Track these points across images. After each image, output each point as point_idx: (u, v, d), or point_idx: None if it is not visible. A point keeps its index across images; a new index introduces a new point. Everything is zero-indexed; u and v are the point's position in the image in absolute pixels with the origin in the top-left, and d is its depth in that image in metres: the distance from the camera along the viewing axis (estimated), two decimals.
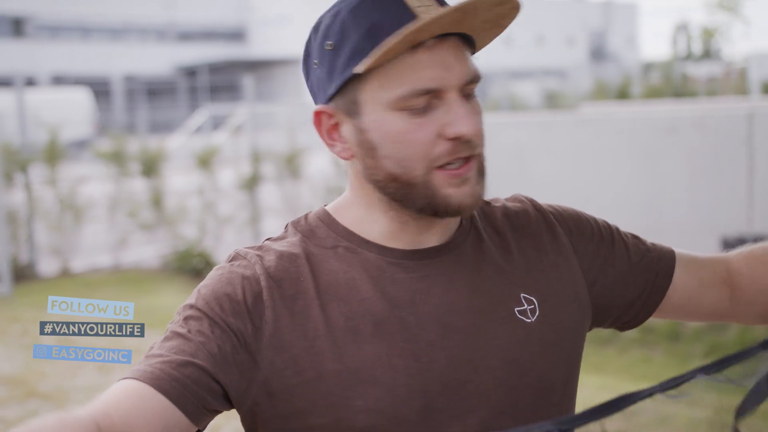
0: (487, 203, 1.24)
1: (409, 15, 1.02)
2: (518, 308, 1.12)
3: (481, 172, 1.09)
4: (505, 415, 1.08)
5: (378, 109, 1.05)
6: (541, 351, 1.12)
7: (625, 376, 5.13)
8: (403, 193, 1.07)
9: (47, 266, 9.07)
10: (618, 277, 1.23)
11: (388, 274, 1.10)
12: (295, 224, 1.17)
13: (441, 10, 1.00)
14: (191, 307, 1.09)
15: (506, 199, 1.26)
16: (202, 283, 1.12)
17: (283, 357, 1.05)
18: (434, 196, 1.06)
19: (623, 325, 1.29)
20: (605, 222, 1.31)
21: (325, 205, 1.20)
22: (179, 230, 9.16)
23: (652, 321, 5.10)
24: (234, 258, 1.13)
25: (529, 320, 1.12)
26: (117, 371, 5.55)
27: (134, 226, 9.27)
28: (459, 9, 1.00)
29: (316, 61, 1.09)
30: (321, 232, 1.14)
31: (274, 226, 9.47)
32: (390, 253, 1.11)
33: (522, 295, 1.13)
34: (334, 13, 1.08)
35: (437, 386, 1.06)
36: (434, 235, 1.13)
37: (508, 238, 1.18)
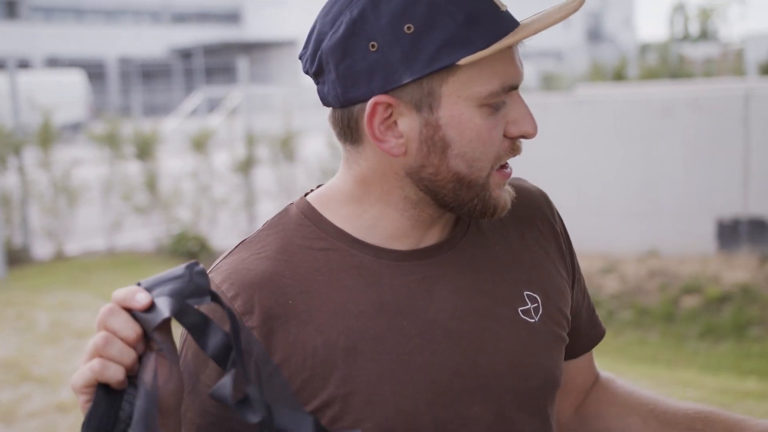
0: None
1: (495, 7, 0.99)
2: (522, 308, 1.08)
3: None
4: (513, 418, 1.05)
5: (460, 104, 0.98)
6: (545, 351, 1.09)
7: (620, 357, 5.13)
8: (457, 194, 1.01)
9: (41, 249, 9.05)
10: (573, 304, 1.20)
11: (385, 280, 1.03)
12: (276, 223, 1.08)
13: (546, 18, 0.97)
14: (191, 375, 1.02)
15: (514, 180, 1.17)
16: (186, 335, 1.03)
17: None
18: (488, 198, 1.02)
19: None
20: None
21: (306, 195, 1.11)
22: (174, 213, 9.13)
23: (647, 302, 5.13)
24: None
25: (532, 320, 1.08)
26: None
27: (129, 209, 9.25)
28: (559, 21, 0.98)
29: (375, 43, 0.96)
30: (307, 231, 1.06)
31: (268, 209, 9.45)
32: (387, 254, 1.04)
33: (525, 293, 1.09)
34: None
35: (445, 397, 1.02)
36: (435, 232, 1.08)
37: (511, 228, 1.14)
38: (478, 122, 0.99)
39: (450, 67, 0.96)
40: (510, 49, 1.00)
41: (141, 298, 0.84)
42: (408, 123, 0.99)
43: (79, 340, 5.81)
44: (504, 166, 1.04)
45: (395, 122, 0.99)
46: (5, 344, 5.80)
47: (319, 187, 1.13)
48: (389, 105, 0.98)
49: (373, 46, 0.96)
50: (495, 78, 0.98)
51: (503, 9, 1.00)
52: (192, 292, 0.85)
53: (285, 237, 1.06)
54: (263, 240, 1.06)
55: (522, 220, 1.15)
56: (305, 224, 1.06)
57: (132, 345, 0.84)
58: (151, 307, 0.84)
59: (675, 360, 5.25)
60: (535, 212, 1.17)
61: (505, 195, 1.04)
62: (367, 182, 1.04)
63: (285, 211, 1.10)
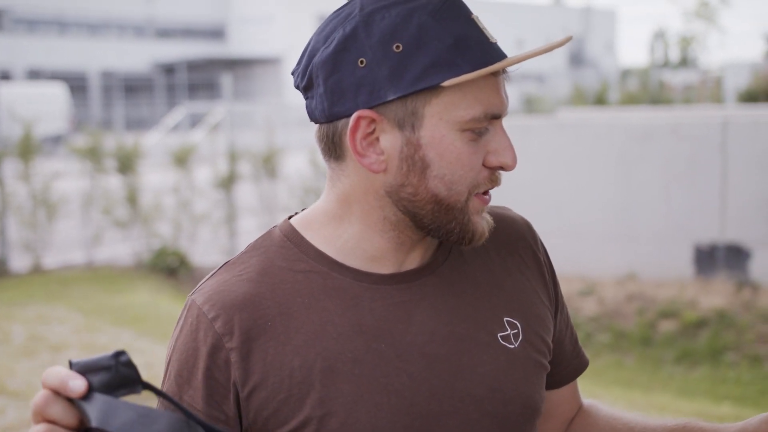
0: None
1: (482, 35, 1.02)
2: (501, 333, 1.09)
3: None
4: None
5: (442, 126, 0.99)
6: (524, 377, 1.09)
7: (597, 380, 5.16)
8: (435, 216, 1.02)
9: (19, 262, 8.98)
10: (555, 334, 1.21)
11: (365, 303, 1.04)
12: (259, 245, 1.09)
13: (532, 51, 0.99)
14: (173, 395, 1.03)
15: (497, 208, 1.20)
16: (174, 356, 1.05)
17: (262, 414, 1.01)
18: (467, 223, 1.03)
19: None
20: None
21: (290, 218, 1.13)
22: (154, 228, 9.10)
23: (624, 325, 5.17)
24: (190, 309, 1.05)
25: (512, 346, 1.08)
26: None
27: (108, 223, 9.20)
28: (544, 52, 1.00)
29: (364, 59, 0.98)
30: (289, 254, 1.07)
31: (249, 225, 9.43)
32: (367, 278, 1.05)
33: (505, 319, 1.10)
34: (401, 13, 0.99)
35: (422, 421, 1.02)
36: (416, 256, 1.08)
37: (494, 255, 1.14)
38: (458, 146, 1.00)
39: (435, 89, 0.98)
40: (495, 78, 1.02)
41: (76, 387, 0.78)
42: (390, 140, 1.00)
43: (56, 354, 5.76)
44: (484, 192, 1.05)
45: (377, 138, 1.01)
46: None
47: (303, 210, 1.14)
48: (372, 120, 1.00)
49: (362, 62, 0.98)
50: (478, 104, 1.00)
51: (492, 40, 1.02)
52: (121, 384, 0.84)
53: (267, 259, 1.07)
54: (246, 262, 1.07)
55: (505, 247, 1.16)
56: (287, 246, 1.08)
57: (76, 430, 0.80)
58: (87, 394, 0.80)
59: (651, 384, 5.28)
60: (519, 240, 1.18)
61: (483, 222, 1.05)
62: (348, 200, 1.05)
63: (268, 234, 1.11)
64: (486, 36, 1.02)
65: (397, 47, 0.98)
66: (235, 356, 1.00)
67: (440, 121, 0.99)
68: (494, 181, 1.04)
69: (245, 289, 1.04)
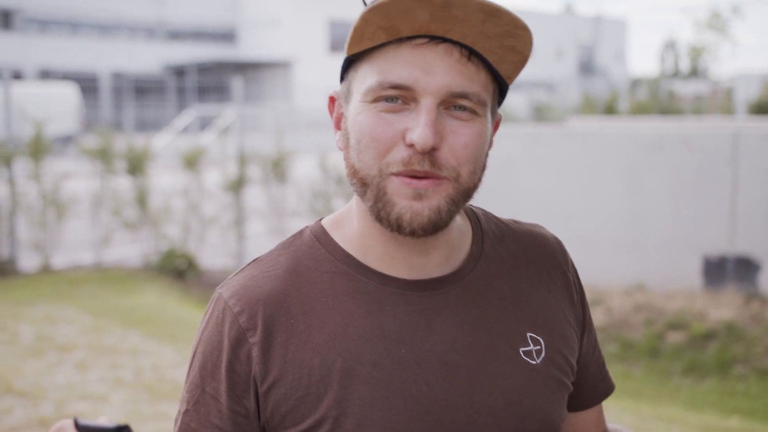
0: (506, 224, 1.19)
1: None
2: (523, 348, 1.08)
3: (453, 198, 1.01)
4: None
5: (358, 98, 1.02)
6: (544, 394, 1.08)
7: None
8: (361, 192, 1.02)
9: (28, 262, 9.00)
10: (580, 359, 1.21)
11: (388, 307, 1.04)
12: (289, 244, 1.11)
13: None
14: (197, 387, 1.07)
15: (529, 225, 1.20)
16: (199, 347, 1.08)
17: (280, 410, 1.03)
18: (383, 201, 1.00)
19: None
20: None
21: (322, 219, 1.14)
22: (163, 230, 9.12)
23: (632, 336, 5.15)
24: (217, 303, 1.08)
25: (534, 362, 1.08)
26: (94, 370, 5.47)
27: (118, 224, 9.22)
28: (429, 1, 0.94)
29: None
30: (317, 254, 1.09)
31: (258, 229, 9.44)
32: (392, 282, 1.05)
33: (529, 334, 1.09)
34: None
35: (437, 428, 1.02)
36: (437, 262, 1.08)
37: (522, 270, 1.14)
38: (364, 116, 1.01)
39: (355, 63, 1.03)
40: (415, 51, 0.98)
41: None
42: (345, 114, 1.06)
43: (63, 354, 5.77)
44: (409, 175, 0.99)
45: (343, 115, 1.07)
46: None
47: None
48: (335, 100, 1.09)
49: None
50: (376, 74, 1.00)
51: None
52: None
53: (295, 258, 1.09)
54: (275, 259, 1.10)
55: (534, 263, 1.15)
56: (316, 247, 1.09)
57: None
58: None
59: (659, 395, 5.26)
60: (549, 259, 1.17)
61: (413, 209, 0.99)
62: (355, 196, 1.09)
63: (299, 233, 1.13)
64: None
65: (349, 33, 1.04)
66: (256, 351, 1.02)
67: (357, 94, 1.02)
68: (410, 163, 0.98)
69: (271, 285, 1.06)
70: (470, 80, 0.99)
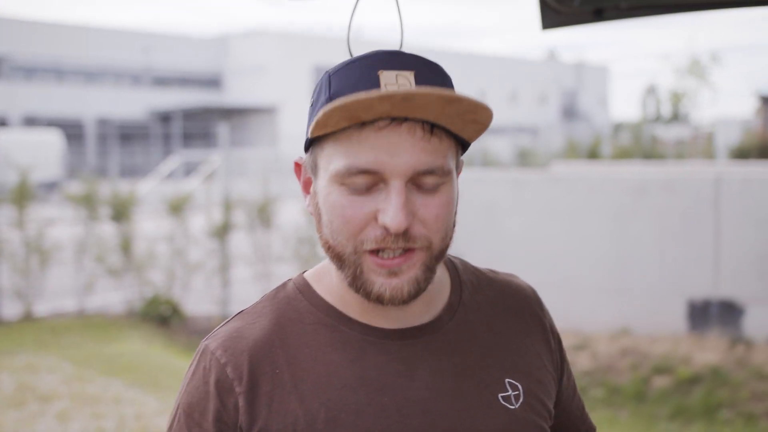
0: (483, 273, 1.22)
1: (374, 87, 1.00)
2: (502, 394, 1.10)
3: (428, 266, 1.03)
4: None
5: (326, 177, 1.03)
6: None
7: None
8: (338, 265, 1.04)
9: (10, 310, 8.91)
10: (558, 404, 1.23)
11: (369, 356, 1.07)
12: (273, 296, 1.14)
13: (375, 93, 0.93)
14: None
15: (505, 275, 1.24)
16: (183, 399, 1.10)
17: None
18: (360, 278, 1.02)
19: None
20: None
21: (305, 272, 1.16)
22: (147, 276, 9.06)
23: (618, 380, 5.14)
24: (203, 354, 1.10)
25: (512, 407, 1.10)
26: (76, 420, 5.39)
27: (101, 270, 9.16)
28: (389, 97, 0.94)
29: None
30: (300, 306, 1.11)
31: (243, 274, 9.40)
32: (372, 332, 1.08)
33: (507, 380, 1.11)
34: (325, 73, 1.07)
35: None
36: (417, 311, 1.10)
37: (500, 318, 1.17)
38: (335, 197, 1.02)
39: (320, 141, 1.03)
40: (379, 133, 0.98)
41: None
42: (314, 185, 1.08)
43: (44, 404, 5.70)
44: (379, 253, 1.01)
45: (311, 180, 1.09)
46: None
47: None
48: (300, 167, 1.11)
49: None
50: (342, 158, 1.00)
51: (384, 92, 0.95)
52: None
53: (279, 310, 1.12)
54: (259, 311, 1.12)
55: (512, 310, 1.18)
56: (299, 299, 1.12)
57: None
58: None
59: None
60: (525, 306, 1.20)
61: (389, 286, 1.01)
62: None
63: (283, 286, 1.16)
64: (378, 86, 0.99)
65: (311, 102, 1.07)
66: (242, 401, 1.04)
67: (325, 172, 1.03)
68: (385, 242, 1.00)
69: (256, 336, 1.08)
70: (435, 155, 1.00)
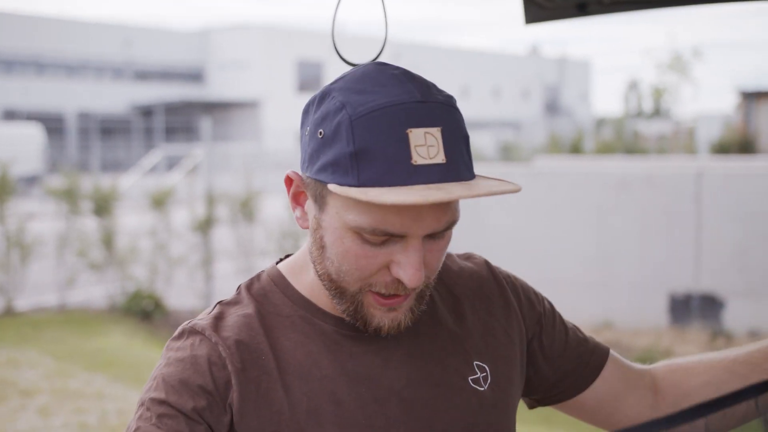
0: (444, 262, 1.23)
1: (405, 159, 0.95)
2: (472, 377, 1.14)
3: (420, 298, 1.08)
4: None
5: (337, 219, 1.01)
6: (495, 417, 1.15)
7: (574, 429, 5.13)
8: (333, 293, 1.06)
9: None
10: (551, 354, 1.26)
11: (345, 348, 1.09)
12: (248, 287, 1.14)
13: (422, 199, 0.92)
14: (162, 402, 1.03)
15: (459, 256, 1.26)
16: (163, 370, 1.06)
17: None
18: (359, 311, 1.05)
19: (534, 401, 1.32)
20: (551, 304, 1.32)
21: (278, 263, 1.17)
22: (129, 271, 9.02)
23: None
24: (190, 334, 1.09)
25: (482, 388, 1.14)
26: (58, 415, 5.37)
27: (83, 265, 9.11)
28: (433, 206, 0.97)
29: (308, 130, 1.04)
30: (275, 298, 1.12)
31: (226, 269, 9.38)
32: (346, 326, 1.10)
33: (475, 363, 1.16)
34: (339, 102, 1.00)
35: None
36: None
37: (462, 301, 1.20)
38: (347, 243, 1.01)
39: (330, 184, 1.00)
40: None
41: None
42: (311, 207, 1.06)
43: (25, 399, 5.66)
44: (386, 295, 1.04)
45: (305, 200, 1.08)
46: None
47: (288, 256, 1.19)
48: (298, 183, 1.07)
49: (306, 130, 1.05)
50: (368, 216, 0.98)
51: (417, 162, 0.95)
52: None
53: (257, 301, 1.13)
54: (239, 302, 1.13)
55: (472, 291, 1.22)
56: (274, 291, 1.14)
57: None
58: None
59: None
60: (483, 284, 1.23)
61: (386, 319, 1.05)
62: (309, 246, 1.10)
63: (257, 277, 1.16)
64: (409, 154, 0.96)
65: (320, 134, 1.01)
66: (234, 380, 1.05)
67: (336, 214, 1.01)
68: (394, 289, 1.03)
69: (241, 323, 1.09)
70: (453, 211, 1.02)
